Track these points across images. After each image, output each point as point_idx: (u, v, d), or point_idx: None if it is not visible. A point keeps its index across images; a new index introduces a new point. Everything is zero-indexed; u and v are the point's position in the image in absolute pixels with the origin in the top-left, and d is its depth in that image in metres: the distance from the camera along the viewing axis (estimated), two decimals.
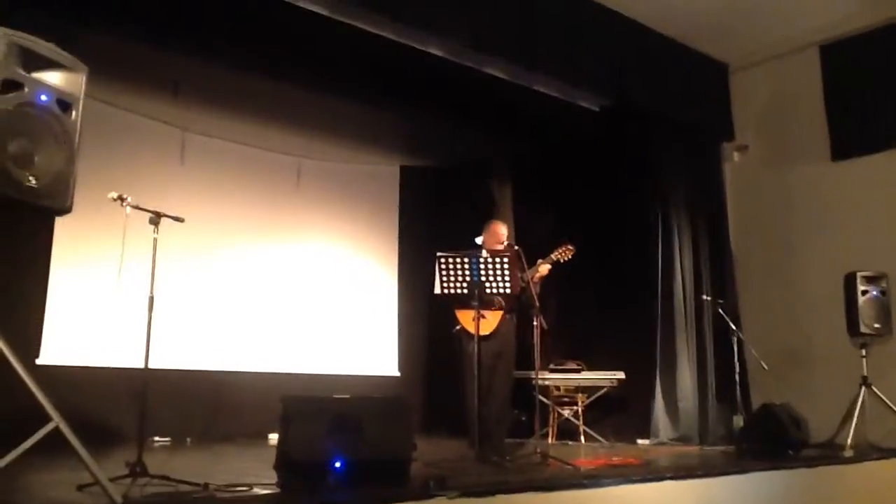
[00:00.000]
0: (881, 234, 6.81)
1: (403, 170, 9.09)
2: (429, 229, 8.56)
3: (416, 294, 8.45)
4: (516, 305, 5.48)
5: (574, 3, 6.45)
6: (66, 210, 3.03)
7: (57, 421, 2.85)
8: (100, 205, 3.98)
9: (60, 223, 6.00)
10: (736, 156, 7.92)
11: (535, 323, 5.21)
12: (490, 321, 5.28)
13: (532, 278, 5.43)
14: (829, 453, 5.79)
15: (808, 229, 7.33)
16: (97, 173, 5.94)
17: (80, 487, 3.27)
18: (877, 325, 6.30)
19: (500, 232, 5.58)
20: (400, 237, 8.97)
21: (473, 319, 4.99)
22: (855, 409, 6.11)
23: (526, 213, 8.50)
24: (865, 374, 6.24)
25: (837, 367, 6.68)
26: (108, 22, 5.41)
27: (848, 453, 5.77)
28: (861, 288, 6.30)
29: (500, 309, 5.33)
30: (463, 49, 5.93)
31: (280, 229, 8.13)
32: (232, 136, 7.80)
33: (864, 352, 6.30)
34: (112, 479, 3.17)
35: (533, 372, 5.54)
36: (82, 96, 3.07)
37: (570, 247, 5.64)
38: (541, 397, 6.44)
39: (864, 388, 6.20)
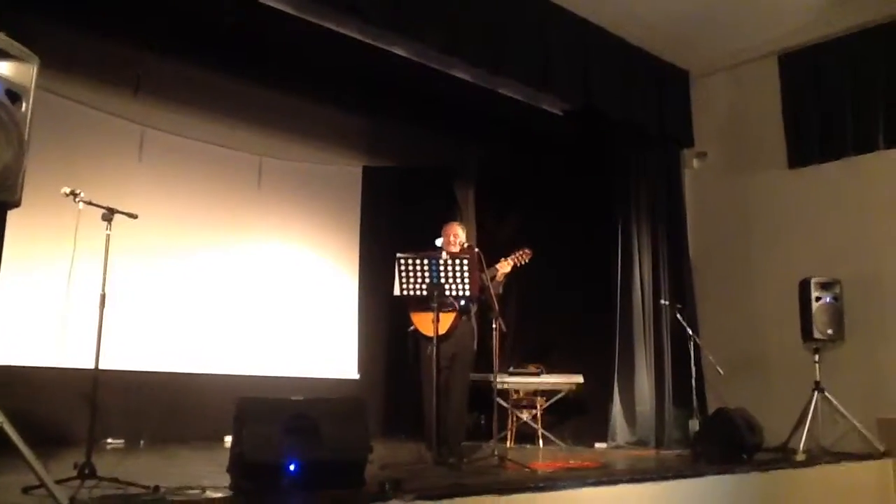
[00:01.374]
0: (836, 241, 6.93)
1: (366, 170, 9.05)
2: (390, 230, 8.52)
3: (377, 296, 8.40)
4: (475, 308, 5.48)
5: (540, 8, 6.47)
6: (14, 204, 2.94)
7: (1, 420, 2.77)
8: (52, 200, 3.90)
9: (10, 218, 5.84)
10: (695, 162, 8.01)
11: (494, 326, 5.21)
12: (443, 322, 5.26)
13: (493, 278, 5.44)
14: (783, 457, 5.88)
15: (764, 236, 7.43)
16: (51, 168, 5.83)
17: (26, 490, 3.18)
18: (830, 331, 6.41)
19: (455, 233, 5.55)
20: (361, 238, 8.92)
21: (432, 322, 4.96)
22: (808, 413, 6.22)
23: (488, 215, 8.53)
24: (818, 379, 6.35)
25: (791, 372, 6.79)
26: (68, 16, 5.31)
27: (801, 457, 5.86)
28: (815, 294, 6.41)
29: (453, 310, 5.30)
30: (428, 51, 5.92)
31: (240, 228, 8.03)
32: (192, 134, 7.70)
33: (817, 357, 6.40)
34: (59, 482, 3.10)
35: (492, 375, 5.55)
36: (33, 87, 2.99)
37: (527, 250, 5.70)
38: (499, 400, 6.43)
39: (816, 393, 6.31)
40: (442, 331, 5.20)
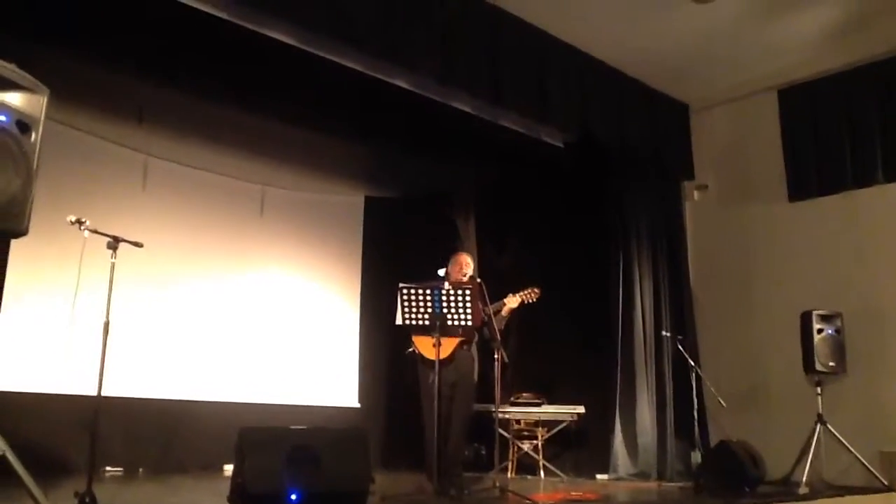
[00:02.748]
0: (836, 273, 6.95)
1: (368, 200, 9.09)
2: (392, 260, 8.53)
3: (379, 325, 8.40)
4: (477, 338, 5.48)
5: (541, 42, 6.55)
6: (21, 233, 2.97)
7: (3, 448, 2.77)
8: (58, 228, 3.94)
9: (16, 246, 5.88)
10: (696, 194, 8.06)
11: (495, 356, 5.21)
12: (445, 347, 5.26)
13: (498, 312, 5.50)
14: (785, 490, 5.86)
15: (765, 268, 7.46)
16: (56, 196, 5.87)
17: None
18: (832, 364, 6.40)
19: (466, 262, 5.59)
20: (363, 267, 8.94)
21: (434, 346, 4.95)
22: (810, 446, 6.18)
23: (489, 245, 8.55)
24: (820, 411, 6.33)
25: (793, 404, 6.77)
26: (73, 47, 5.38)
27: (803, 490, 5.82)
28: (817, 326, 6.41)
29: (456, 336, 5.30)
30: (429, 82, 5.97)
31: (242, 257, 8.06)
32: (195, 163, 7.75)
33: (819, 389, 6.39)
34: None
35: (493, 405, 5.53)
36: (42, 118, 3.04)
37: (536, 290, 5.73)
38: (500, 431, 6.42)
39: (819, 426, 6.28)
40: (443, 355, 5.20)
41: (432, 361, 4.98)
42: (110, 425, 5.00)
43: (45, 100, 3.07)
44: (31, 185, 2.97)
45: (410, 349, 5.42)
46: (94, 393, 3.82)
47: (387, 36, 5.42)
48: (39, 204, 3.05)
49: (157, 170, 7.52)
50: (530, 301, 5.71)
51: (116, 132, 7.09)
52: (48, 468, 4.98)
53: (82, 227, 3.85)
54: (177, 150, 7.49)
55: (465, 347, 5.37)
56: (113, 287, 3.92)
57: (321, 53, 5.52)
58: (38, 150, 3.01)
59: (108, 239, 3.93)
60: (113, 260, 3.92)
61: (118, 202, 6.96)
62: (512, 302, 5.63)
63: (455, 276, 5.50)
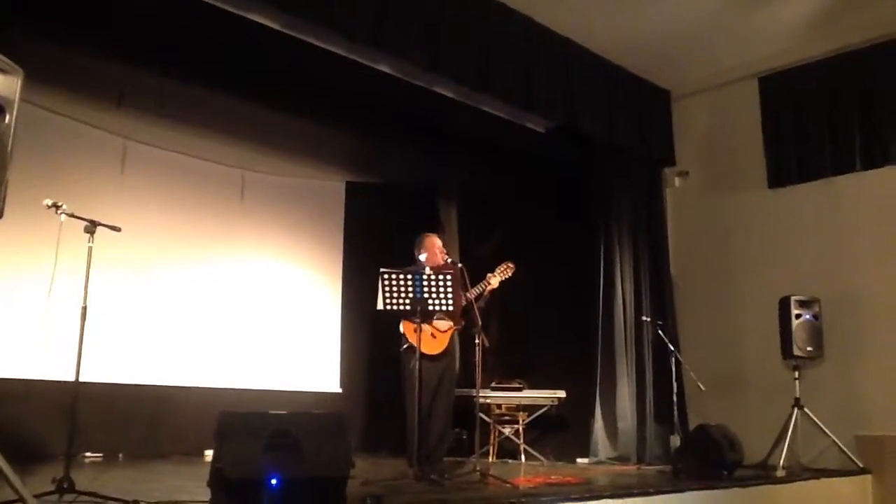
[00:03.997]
0: (815, 260, 7.01)
1: (349, 185, 9.05)
2: (373, 245, 8.49)
3: (360, 310, 8.38)
4: (460, 323, 5.51)
5: (524, 27, 6.53)
6: None
7: None
8: (34, 212, 3.89)
9: None
10: (677, 181, 8.09)
11: (476, 341, 5.22)
12: (441, 340, 5.29)
13: (481, 293, 5.53)
14: (763, 473, 5.93)
15: (745, 254, 7.51)
16: (33, 180, 5.79)
17: None
18: (809, 349, 6.47)
19: (438, 245, 5.59)
20: (344, 252, 8.91)
21: (415, 331, 4.96)
22: (787, 430, 6.26)
23: (471, 232, 8.55)
24: (798, 395, 6.40)
25: (771, 389, 6.84)
26: (52, 29, 5.30)
27: (780, 473, 5.91)
28: (795, 312, 6.48)
29: (450, 329, 5.32)
30: (413, 68, 5.94)
31: (222, 242, 8.00)
32: (175, 147, 7.66)
33: (796, 374, 6.46)
34: (37, 496, 3.07)
35: (474, 390, 5.55)
36: (17, 100, 2.98)
37: (510, 264, 5.77)
38: (481, 415, 6.44)
39: (796, 410, 6.36)
40: (440, 348, 5.23)
41: (426, 354, 5.03)
42: (89, 411, 4.97)
43: (20, 81, 3.01)
44: (5, 167, 2.92)
45: (405, 345, 5.39)
46: (72, 378, 3.79)
47: (372, 21, 5.38)
48: (15, 188, 3.00)
49: (136, 153, 7.43)
50: (506, 277, 5.74)
51: (94, 115, 7.01)
52: (26, 455, 4.94)
53: (59, 211, 3.82)
54: (156, 133, 7.41)
55: (453, 336, 5.39)
56: (90, 272, 3.89)
57: (304, 38, 5.48)
58: (12, 132, 2.96)
59: (86, 223, 3.89)
60: (90, 244, 3.89)
61: (96, 186, 6.89)
62: (494, 281, 5.65)
63: (432, 258, 5.51)
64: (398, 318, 5.36)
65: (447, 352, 5.35)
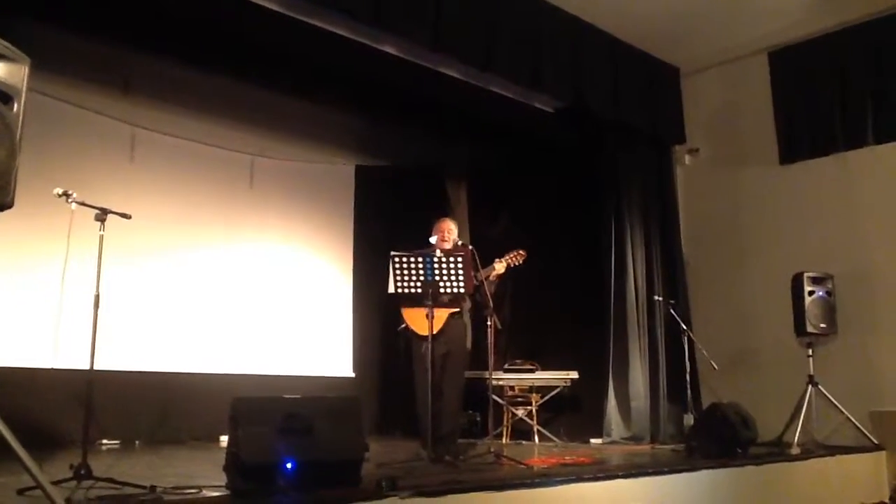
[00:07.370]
0: (828, 236, 6.96)
1: (359, 169, 9.03)
2: (384, 229, 8.51)
3: (371, 294, 8.40)
4: (469, 305, 5.49)
5: (531, 5, 6.47)
6: (6, 206, 2.92)
7: None
8: (44, 201, 3.90)
9: (1, 219, 5.82)
10: (687, 158, 8.04)
11: (488, 323, 5.23)
12: (436, 320, 5.27)
13: (488, 277, 5.48)
14: (777, 451, 5.92)
15: (757, 231, 7.47)
16: (43, 169, 5.82)
17: (21, 491, 3.18)
18: (823, 325, 6.45)
19: (448, 229, 5.58)
20: (355, 237, 8.90)
21: (426, 318, 4.96)
22: (801, 407, 6.26)
23: (481, 214, 8.53)
24: (812, 373, 6.39)
25: (785, 366, 6.83)
26: (57, 15, 5.28)
27: (795, 451, 5.90)
28: (808, 288, 6.45)
29: (445, 307, 5.30)
30: (419, 49, 5.90)
31: (233, 228, 8.01)
32: (183, 133, 7.66)
33: (810, 351, 6.44)
34: (55, 483, 3.09)
35: (487, 372, 5.56)
36: (25, 88, 2.97)
37: (521, 252, 5.74)
38: (495, 397, 6.45)
39: (810, 387, 6.34)
40: (435, 329, 5.21)
41: (423, 335, 5.01)
42: (105, 399, 5.00)
43: (27, 69, 3.00)
44: (15, 156, 2.91)
45: (402, 326, 5.42)
46: (86, 367, 3.81)
47: (378, 2, 5.34)
48: (25, 177, 3.00)
49: (145, 141, 7.44)
50: (517, 264, 5.72)
51: (103, 103, 7.00)
52: (44, 443, 4.99)
53: (69, 200, 3.81)
54: (164, 120, 7.40)
55: (455, 317, 5.38)
56: (102, 259, 3.89)
57: (309, 20, 5.45)
58: (21, 120, 2.96)
59: (96, 211, 3.89)
60: (101, 232, 3.89)
61: (105, 174, 6.91)
62: (499, 267, 5.63)
63: (440, 242, 5.50)
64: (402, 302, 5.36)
65: (445, 331, 5.30)
